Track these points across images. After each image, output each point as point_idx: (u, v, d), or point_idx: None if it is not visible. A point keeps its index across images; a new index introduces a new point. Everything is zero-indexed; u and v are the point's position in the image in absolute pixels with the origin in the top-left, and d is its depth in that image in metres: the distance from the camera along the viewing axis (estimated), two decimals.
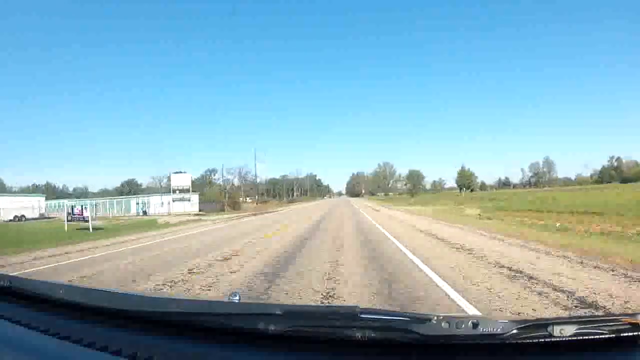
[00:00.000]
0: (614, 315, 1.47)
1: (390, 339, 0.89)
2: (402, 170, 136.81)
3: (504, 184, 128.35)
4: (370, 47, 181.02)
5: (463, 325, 0.83)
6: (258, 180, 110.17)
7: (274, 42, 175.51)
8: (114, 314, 1.14)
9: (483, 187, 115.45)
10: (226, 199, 52.20)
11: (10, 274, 1.52)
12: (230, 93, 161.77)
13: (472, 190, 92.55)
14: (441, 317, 0.85)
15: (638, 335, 0.83)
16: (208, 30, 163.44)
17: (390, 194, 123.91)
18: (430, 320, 0.85)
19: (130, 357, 0.93)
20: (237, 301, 1.17)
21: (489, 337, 0.84)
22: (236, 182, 79.46)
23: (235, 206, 46.35)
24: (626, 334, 0.84)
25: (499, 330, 0.83)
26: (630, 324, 0.84)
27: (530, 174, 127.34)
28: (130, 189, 71.87)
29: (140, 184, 77.81)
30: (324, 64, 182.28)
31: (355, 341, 0.89)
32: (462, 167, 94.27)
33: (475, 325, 0.83)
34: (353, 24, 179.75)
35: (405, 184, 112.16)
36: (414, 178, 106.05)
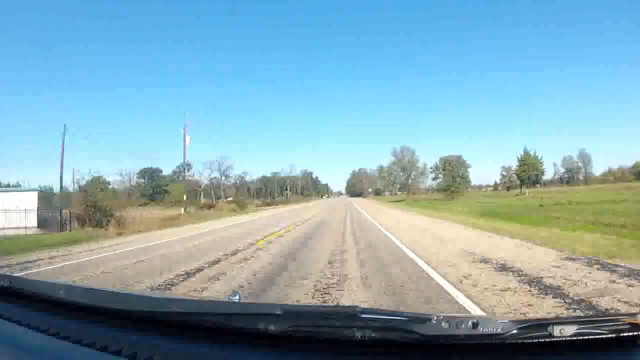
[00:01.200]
0: (614, 315, 1.47)
1: (390, 339, 0.89)
2: (425, 159, 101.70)
3: (534, 181, 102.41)
4: (372, 37, 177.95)
5: (463, 325, 0.83)
6: (249, 178, 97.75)
7: (266, 40, 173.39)
8: (114, 314, 1.14)
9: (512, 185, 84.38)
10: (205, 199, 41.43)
11: (11, 274, 1.53)
12: (222, 90, 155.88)
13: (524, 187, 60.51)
14: (441, 317, 0.85)
15: (638, 335, 0.83)
16: (203, 29, 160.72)
17: (396, 193, 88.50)
18: (430, 320, 0.85)
19: (130, 357, 0.93)
20: (237, 301, 1.18)
21: (489, 337, 0.84)
22: (217, 177, 70.60)
23: (100, 219, 18.72)
24: (626, 334, 0.84)
25: (499, 330, 0.83)
26: (630, 324, 0.84)
27: (562, 170, 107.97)
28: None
29: (108, 181, 74.10)
30: (320, 56, 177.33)
31: (355, 341, 0.88)
32: (524, 151, 57.73)
33: (475, 325, 0.83)
34: (346, 22, 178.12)
35: (434, 179, 71.61)
36: (454, 168, 62.71)
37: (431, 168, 72.74)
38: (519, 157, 59.66)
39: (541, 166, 59.66)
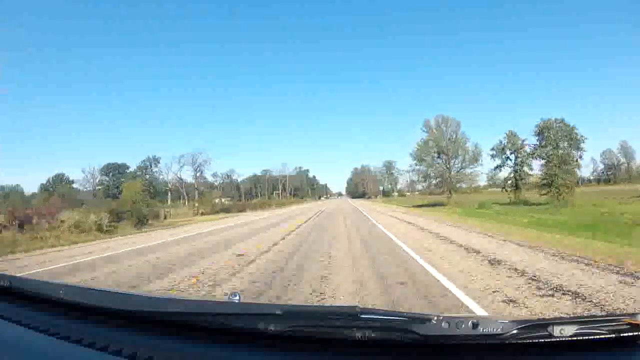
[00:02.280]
0: (614, 315, 1.48)
1: (390, 339, 0.89)
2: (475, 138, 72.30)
3: None
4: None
5: (463, 325, 0.83)
6: (240, 177, 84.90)
7: (262, 37, 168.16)
8: (114, 314, 1.14)
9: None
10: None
11: (11, 274, 1.53)
12: (217, 88, 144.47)
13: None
14: (441, 317, 0.85)
15: (638, 335, 0.83)
16: (198, 28, 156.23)
17: (404, 194, 64.67)
18: (430, 320, 0.85)
19: (130, 357, 0.94)
20: (237, 301, 1.18)
21: (489, 337, 0.83)
22: (189, 174, 58.81)
23: None
24: (626, 334, 0.84)
25: (499, 330, 0.83)
26: (630, 324, 0.84)
27: (602, 166, 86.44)
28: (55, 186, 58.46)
29: (71, 180, 64.66)
30: (317, 48, 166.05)
31: (355, 341, 0.88)
32: None
33: (475, 325, 0.83)
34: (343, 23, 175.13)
35: (498, 167, 36.65)
36: (558, 143, 29.14)
37: (492, 150, 36.68)
38: None
39: None
